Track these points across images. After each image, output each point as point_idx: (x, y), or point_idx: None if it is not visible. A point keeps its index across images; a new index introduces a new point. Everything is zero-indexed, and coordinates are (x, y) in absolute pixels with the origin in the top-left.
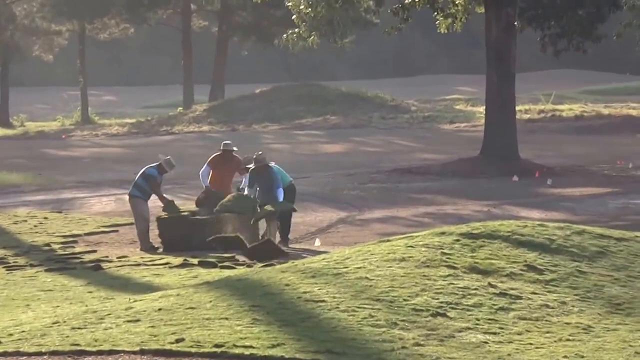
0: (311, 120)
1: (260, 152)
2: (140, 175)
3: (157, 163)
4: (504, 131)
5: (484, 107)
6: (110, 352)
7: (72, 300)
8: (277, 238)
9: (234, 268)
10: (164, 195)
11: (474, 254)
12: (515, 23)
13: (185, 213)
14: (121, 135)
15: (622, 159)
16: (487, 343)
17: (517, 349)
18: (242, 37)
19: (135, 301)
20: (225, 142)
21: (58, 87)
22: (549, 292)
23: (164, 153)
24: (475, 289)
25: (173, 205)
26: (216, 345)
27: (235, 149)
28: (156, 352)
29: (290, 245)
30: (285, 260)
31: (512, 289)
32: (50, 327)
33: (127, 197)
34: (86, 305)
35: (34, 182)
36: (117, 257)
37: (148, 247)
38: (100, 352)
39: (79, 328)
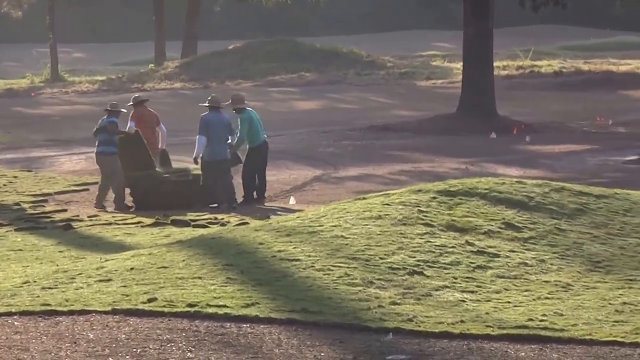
0: (285, 77)
1: (237, 93)
2: (101, 132)
3: (107, 114)
4: (482, 88)
5: (462, 64)
6: (82, 312)
7: (42, 260)
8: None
9: (207, 227)
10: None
11: (451, 212)
12: None
13: (157, 170)
14: (91, 93)
15: (601, 115)
16: (465, 301)
17: (495, 307)
18: None
19: (106, 260)
20: (134, 96)
21: (27, 44)
22: (527, 250)
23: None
24: (453, 247)
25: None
26: (189, 305)
27: (145, 99)
28: (128, 312)
29: (266, 204)
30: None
31: (490, 247)
32: (21, 287)
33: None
34: (57, 265)
35: (3, 141)
36: (88, 217)
37: (122, 206)
38: (71, 312)
39: (49, 288)
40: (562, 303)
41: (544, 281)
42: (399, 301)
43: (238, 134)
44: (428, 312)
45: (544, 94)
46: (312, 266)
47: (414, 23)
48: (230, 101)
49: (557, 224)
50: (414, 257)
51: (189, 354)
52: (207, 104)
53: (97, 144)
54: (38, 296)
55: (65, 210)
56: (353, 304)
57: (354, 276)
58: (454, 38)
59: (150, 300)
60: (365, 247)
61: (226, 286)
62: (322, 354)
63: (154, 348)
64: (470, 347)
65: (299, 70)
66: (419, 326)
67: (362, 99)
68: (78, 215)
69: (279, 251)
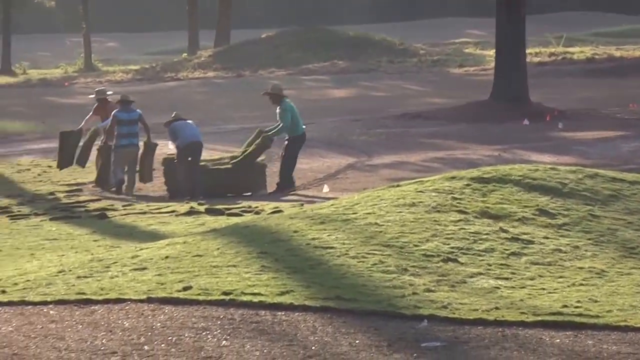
0: (318, 65)
1: (277, 83)
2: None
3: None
4: (514, 74)
5: (494, 51)
6: (117, 301)
7: (77, 249)
8: None
9: (242, 215)
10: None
11: (485, 199)
12: None
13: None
14: (125, 82)
15: (634, 102)
16: (499, 288)
17: (529, 294)
18: None
19: (141, 249)
20: (97, 89)
21: (61, 34)
22: (561, 236)
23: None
24: (487, 234)
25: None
26: (224, 293)
27: (109, 93)
28: (163, 300)
29: (299, 192)
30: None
31: (524, 233)
32: (56, 276)
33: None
34: (92, 254)
35: (37, 130)
36: (123, 206)
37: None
38: (106, 301)
39: (84, 277)
40: (596, 289)
41: (579, 267)
42: (433, 288)
43: (280, 123)
44: (462, 299)
45: (576, 80)
46: (347, 254)
47: (446, 10)
48: (270, 90)
49: (591, 210)
50: (448, 244)
51: (224, 341)
52: (268, 92)
53: (129, 135)
54: (73, 285)
55: (100, 200)
56: (387, 291)
57: (388, 263)
58: (486, 25)
59: (185, 289)
60: (399, 234)
61: (261, 274)
62: (357, 341)
63: (189, 336)
64: (505, 334)
65: (331, 58)
66: (454, 313)
67: (395, 86)
68: (112, 205)
69: (313, 239)
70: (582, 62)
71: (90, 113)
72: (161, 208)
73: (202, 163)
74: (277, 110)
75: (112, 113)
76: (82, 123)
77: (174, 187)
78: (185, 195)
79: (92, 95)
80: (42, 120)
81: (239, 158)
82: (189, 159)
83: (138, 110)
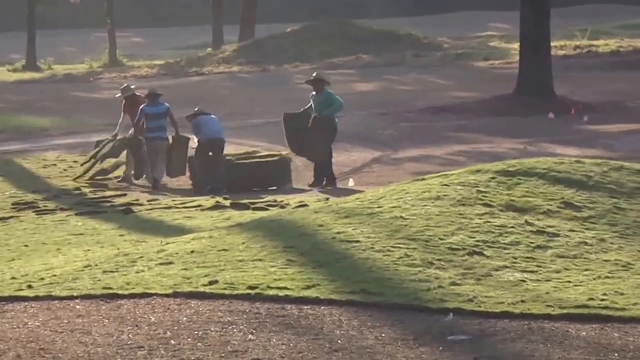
0: (343, 59)
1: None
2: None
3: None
4: (539, 68)
5: (519, 44)
6: (143, 295)
7: (103, 244)
8: None
9: (267, 209)
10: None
11: (510, 192)
12: None
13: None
14: (150, 77)
15: None
16: (525, 281)
17: (555, 287)
18: None
19: (167, 244)
20: (122, 87)
21: (85, 29)
22: (587, 229)
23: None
24: (512, 227)
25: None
26: (250, 287)
27: (132, 87)
28: (189, 295)
29: (324, 186)
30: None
31: (549, 226)
32: (82, 270)
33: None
34: (118, 249)
35: (63, 126)
36: (148, 200)
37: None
38: (132, 295)
39: (110, 271)
40: (622, 282)
41: (604, 260)
42: (459, 282)
43: (337, 104)
44: (488, 292)
45: (602, 73)
46: (372, 247)
47: (470, 3)
48: (316, 76)
49: (617, 203)
50: (474, 237)
51: (250, 335)
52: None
53: (157, 129)
54: (99, 280)
55: (125, 195)
56: (413, 285)
57: (414, 257)
58: (511, 18)
59: (211, 283)
60: (425, 227)
61: (286, 268)
62: (383, 335)
63: (215, 330)
64: (531, 327)
65: (356, 52)
66: (480, 306)
67: (420, 80)
68: (138, 199)
69: (339, 233)
70: (607, 55)
71: (122, 114)
72: (186, 202)
73: (228, 157)
74: (321, 99)
75: (140, 107)
76: (117, 128)
77: (198, 182)
78: (205, 186)
79: (119, 95)
80: (66, 115)
81: (314, 146)
82: (210, 154)
83: (166, 103)
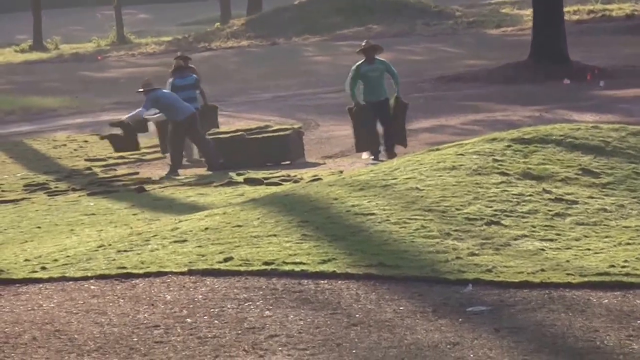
0: (353, 30)
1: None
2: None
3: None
4: (553, 33)
5: (532, 10)
6: (158, 274)
7: (116, 224)
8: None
9: (280, 184)
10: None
11: (527, 160)
12: None
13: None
14: (158, 54)
15: None
16: (544, 250)
17: (575, 255)
18: None
19: (181, 221)
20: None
21: (92, 7)
22: (606, 195)
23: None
24: (530, 195)
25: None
26: (265, 263)
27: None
28: (204, 272)
29: (336, 159)
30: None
31: (567, 194)
32: (96, 251)
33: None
34: (131, 228)
35: (71, 106)
36: (160, 178)
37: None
38: (147, 274)
39: (124, 251)
40: None
41: (624, 227)
42: (477, 252)
43: (397, 75)
44: (507, 262)
45: (616, 37)
46: (388, 220)
47: None
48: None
49: (635, 168)
50: (491, 207)
51: (267, 312)
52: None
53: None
54: (114, 259)
55: (137, 173)
56: (431, 257)
57: (431, 228)
58: None
59: (226, 260)
60: (441, 198)
61: (302, 243)
62: (401, 308)
63: (231, 307)
64: (552, 296)
65: (365, 23)
66: (499, 276)
67: (431, 49)
68: (150, 178)
69: (353, 206)
70: (622, 18)
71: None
72: (199, 179)
73: (239, 133)
74: (380, 68)
75: (168, 81)
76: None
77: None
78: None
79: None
80: (75, 95)
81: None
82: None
83: (194, 74)
